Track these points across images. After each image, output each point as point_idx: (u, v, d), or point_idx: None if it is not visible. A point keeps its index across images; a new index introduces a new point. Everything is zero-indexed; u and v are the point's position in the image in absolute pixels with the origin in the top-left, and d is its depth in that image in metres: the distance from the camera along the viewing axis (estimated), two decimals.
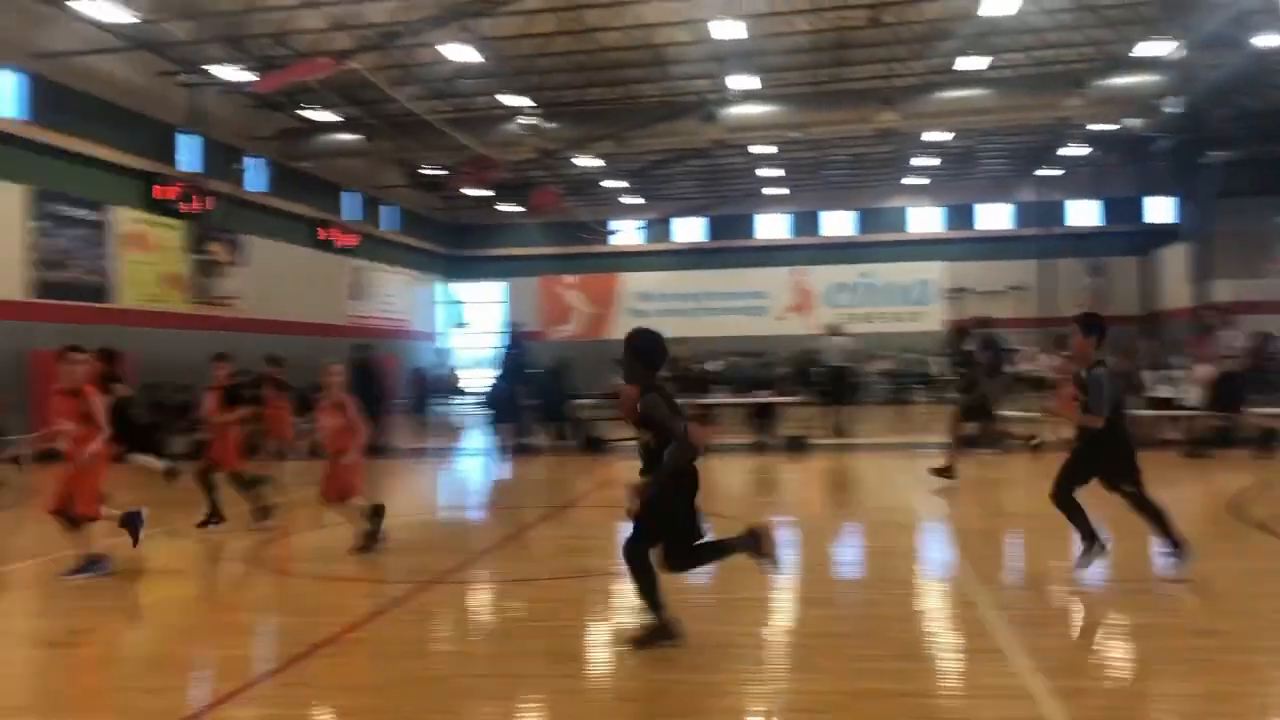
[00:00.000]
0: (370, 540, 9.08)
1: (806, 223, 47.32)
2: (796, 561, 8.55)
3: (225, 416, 10.83)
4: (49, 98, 25.24)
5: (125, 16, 23.13)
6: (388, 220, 44.11)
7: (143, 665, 5.97)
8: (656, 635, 5.87)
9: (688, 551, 5.88)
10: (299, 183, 35.74)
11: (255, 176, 33.34)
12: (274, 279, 33.66)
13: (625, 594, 7.73)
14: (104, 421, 8.33)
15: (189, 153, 30.00)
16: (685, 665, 5.61)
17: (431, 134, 30.67)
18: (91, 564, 8.22)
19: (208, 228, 29.69)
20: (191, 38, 25.85)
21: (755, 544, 5.98)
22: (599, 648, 6.31)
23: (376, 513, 9.25)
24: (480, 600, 7.95)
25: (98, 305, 27.00)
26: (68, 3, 22.24)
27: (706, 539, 5.95)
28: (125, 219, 28.04)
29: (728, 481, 15.44)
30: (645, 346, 5.87)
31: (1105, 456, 7.41)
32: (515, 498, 14.28)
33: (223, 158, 30.59)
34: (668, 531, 5.77)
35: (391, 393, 23.70)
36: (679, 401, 5.93)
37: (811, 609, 7.03)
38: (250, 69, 26.46)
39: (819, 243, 46.74)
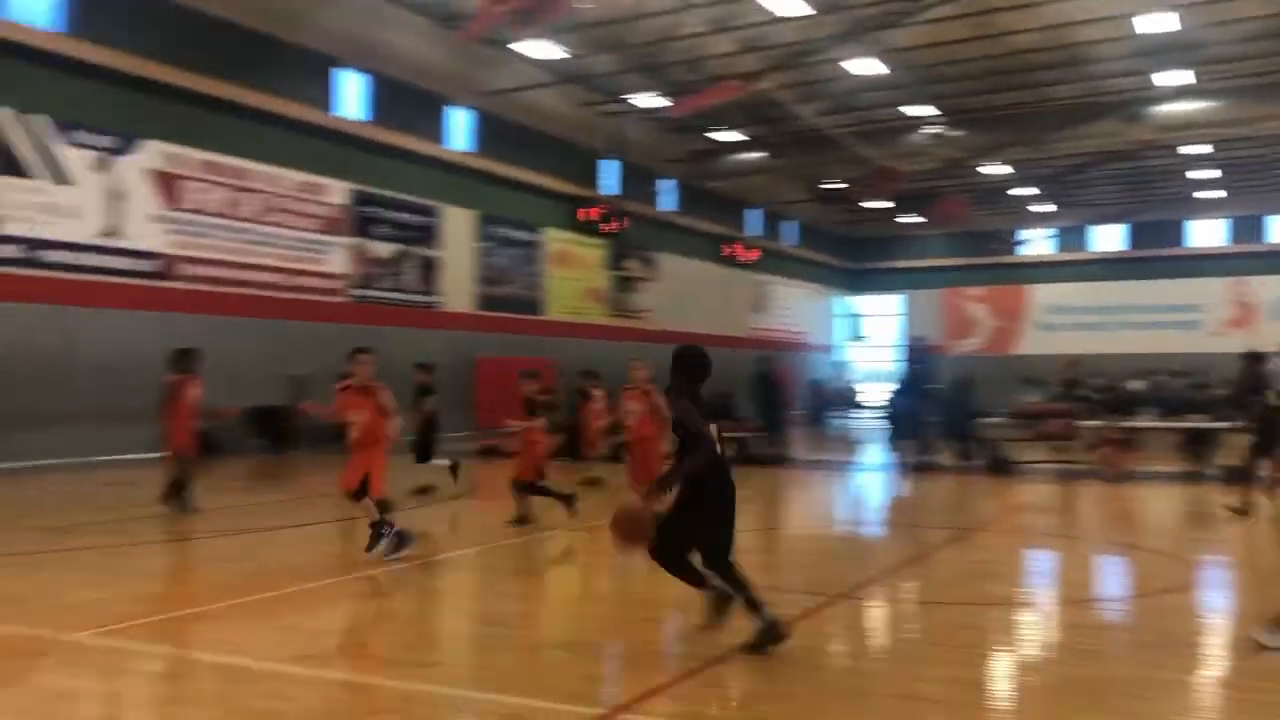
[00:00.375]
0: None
1: (1247, 228, 42.48)
2: (1245, 610, 7.69)
3: (528, 426, 11.38)
4: (492, 131, 28.08)
5: (557, 53, 25.23)
6: (788, 235, 44.79)
7: (572, 652, 6.46)
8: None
9: (722, 558, 5.98)
10: (705, 201, 37.21)
11: (666, 197, 35.09)
12: (682, 293, 35.27)
13: (1032, 625, 7.36)
14: (393, 412, 8.88)
15: (609, 176, 32.15)
16: (1109, 708, 5.23)
17: (834, 148, 30.81)
18: (395, 537, 8.82)
19: (625, 246, 31.64)
20: (613, 69, 27.69)
21: (771, 633, 5.93)
22: (1002, 677, 6.05)
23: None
24: (885, 618, 7.86)
25: (529, 317, 29.58)
26: (510, 45, 24.56)
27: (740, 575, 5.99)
28: (554, 239, 30.54)
29: (1157, 513, 14.18)
30: (687, 356, 6.23)
31: None
32: (917, 517, 13.97)
33: (638, 180, 32.51)
34: (696, 534, 5.93)
35: (791, 404, 24.02)
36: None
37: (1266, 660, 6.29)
38: (665, 95, 27.94)
39: (1264, 250, 41.78)
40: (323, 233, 23.79)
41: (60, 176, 18.83)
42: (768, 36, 25.86)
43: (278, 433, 22.18)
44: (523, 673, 5.80)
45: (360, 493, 8.85)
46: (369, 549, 8.81)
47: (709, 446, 5.91)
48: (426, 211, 26.41)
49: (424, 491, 13.93)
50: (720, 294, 38.09)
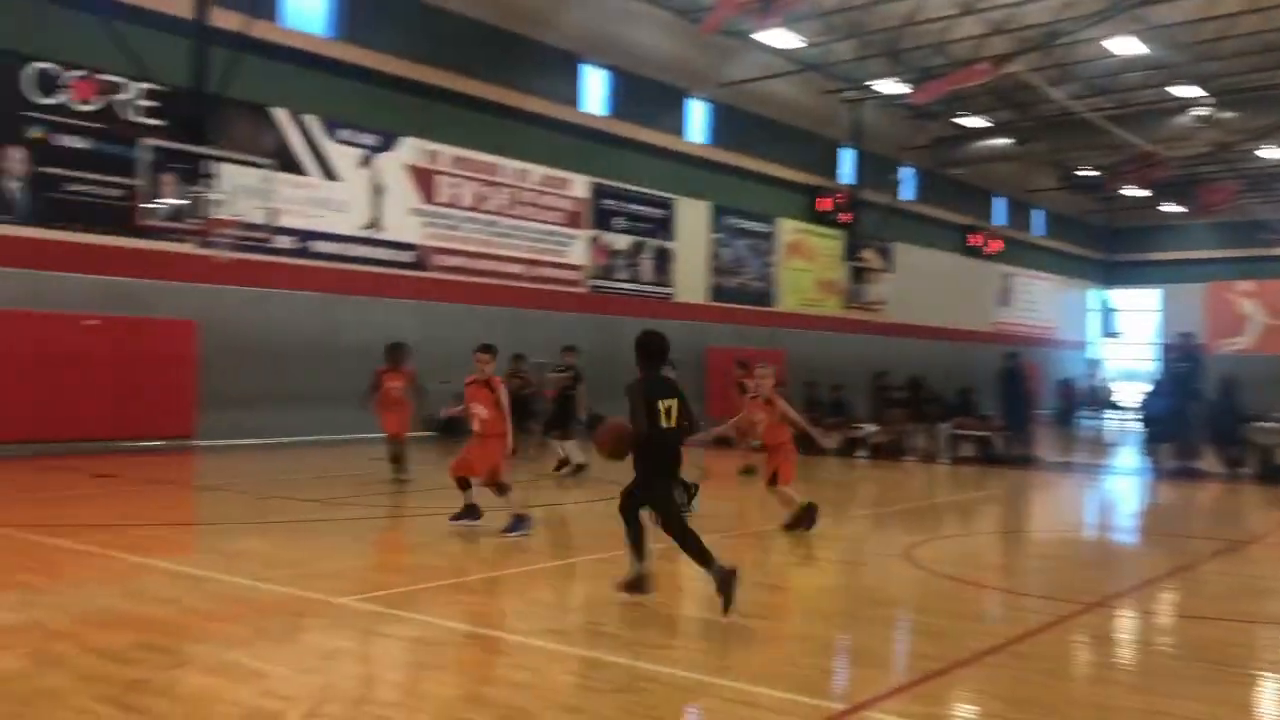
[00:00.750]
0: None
1: None
2: None
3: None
4: (729, 123, 28.14)
5: (796, 42, 24.99)
6: (1037, 225, 42.77)
7: (809, 644, 6.40)
8: (635, 585, 6.92)
9: (669, 518, 6.79)
10: (947, 190, 36.01)
11: (906, 185, 34.19)
12: (920, 285, 34.27)
13: None
14: (507, 409, 9.84)
15: (846, 166, 31.62)
16: None
17: (1089, 133, 29.14)
18: (518, 523, 9.51)
19: (861, 236, 31.06)
20: (854, 55, 27.19)
21: (725, 580, 6.47)
22: (1272, 701, 5.55)
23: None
24: (1141, 631, 7.37)
25: (761, 309, 29.52)
26: (749, 35, 24.53)
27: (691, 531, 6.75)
28: (788, 230, 30.32)
29: None
30: (641, 343, 7.02)
31: None
32: (1177, 526, 13.03)
33: (877, 169, 31.81)
34: (646, 497, 6.83)
35: (1037, 402, 22.91)
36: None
37: None
38: (908, 81, 27.19)
39: None
40: (564, 225, 24.54)
41: (329, 173, 20.25)
42: (1018, 17, 24.72)
43: (519, 417, 23.08)
44: (759, 662, 5.79)
45: (491, 481, 9.72)
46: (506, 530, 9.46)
47: (640, 424, 6.68)
48: (663, 204, 26.79)
49: (562, 467, 14.76)
50: (961, 286, 36.79)
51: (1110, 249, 47.06)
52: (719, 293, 28.34)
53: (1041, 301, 42.58)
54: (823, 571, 9.29)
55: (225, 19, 16.68)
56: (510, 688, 5.19)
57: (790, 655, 6.00)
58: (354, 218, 20.72)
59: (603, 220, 25.36)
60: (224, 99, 17.03)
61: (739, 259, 28.93)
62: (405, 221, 21.54)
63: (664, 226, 26.87)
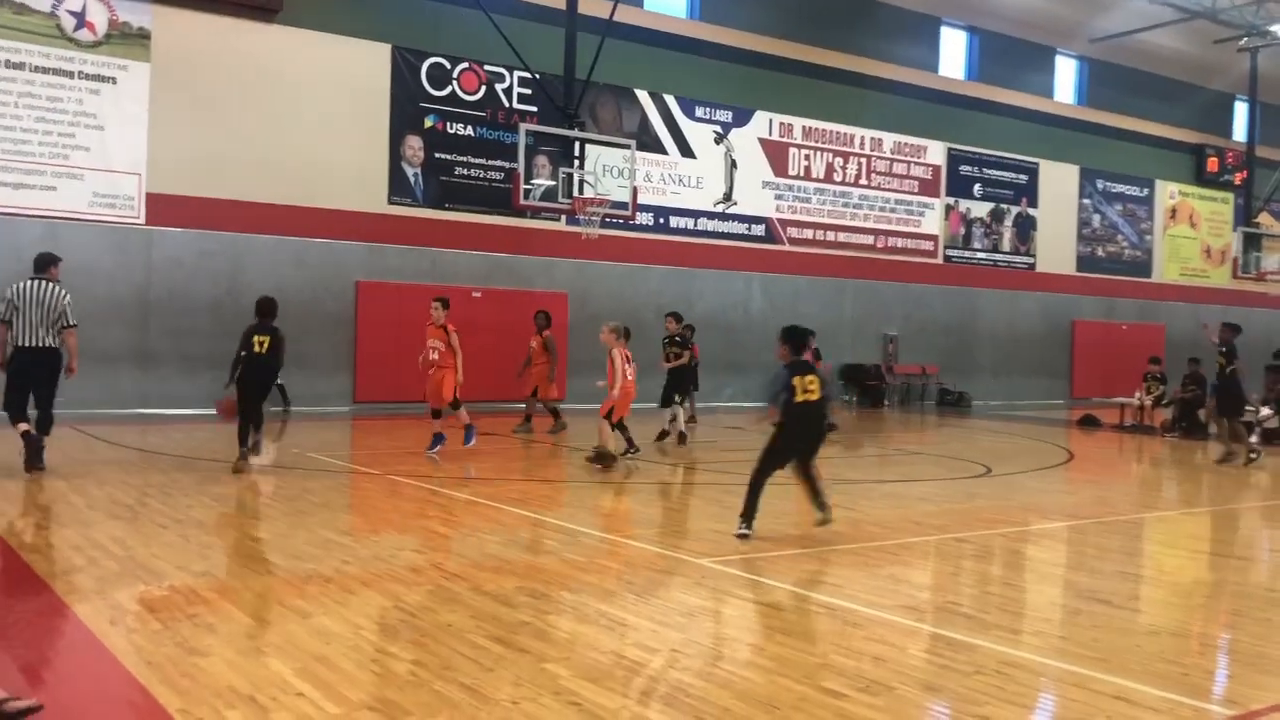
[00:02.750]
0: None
1: None
2: None
3: None
4: (1102, 79, 26.22)
5: None
6: None
7: (1193, 643, 5.94)
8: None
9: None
10: None
11: None
12: None
13: None
14: (458, 347, 12.41)
15: (1241, 121, 28.57)
16: None
17: None
18: (468, 432, 12.66)
19: (1258, 198, 27.91)
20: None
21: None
22: None
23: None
24: None
25: (1136, 280, 27.41)
26: None
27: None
28: (1170, 193, 27.90)
29: None
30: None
31: None
32: None
33: (1277, 123, 28.48)
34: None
35: None
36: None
37: None
38: None
39: None
40: (919, 194, 23.93)
41: (686, 149, 20.91)
42: None
43: (870, 389, 22.86)
44: (1131, 656, 5.45)
45: (455, 405, 12.44)
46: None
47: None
48: (1025, 169, 25.44)
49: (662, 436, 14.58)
50: None
51: None
52: (1088, 262, 26.57)
53: None
54: (1206, 565, 8.56)
55: (593, 6, 17.60)
56: (867, 660, 5.22)
57: (1167, 651, 5.60)
58: (708, 193, 21.29)
59: (960, 187, 24.46)
60: (591, 83, 18.04)
61: (1111, 225, 26.95)
62: (758, 195, 21.85)
63: (1027, 192, 25.51)
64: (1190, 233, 28.28)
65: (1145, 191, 27.44)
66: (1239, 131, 28.67)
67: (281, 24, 17.21)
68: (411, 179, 18.39)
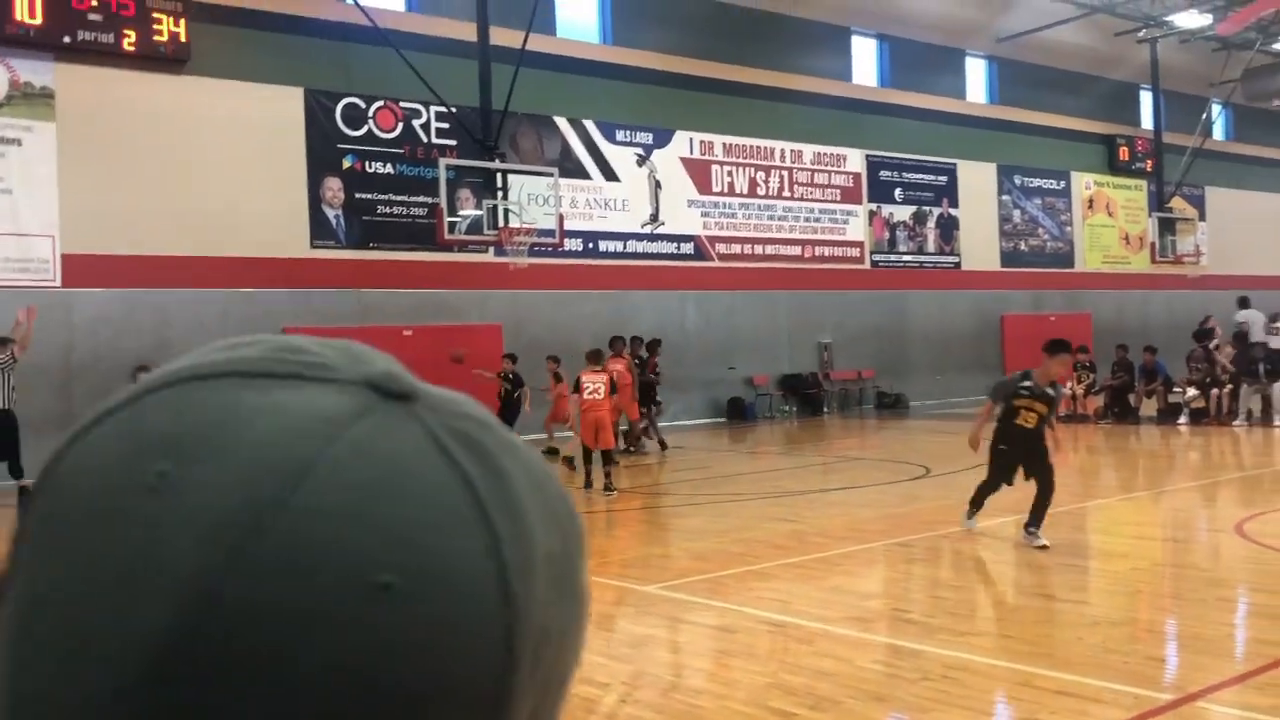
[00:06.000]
0: None
1: None
2: None
3: None
4: (1011, 78, 26.80)
5: None
6: None
7: (1128, 630, 6.02)
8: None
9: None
10: (1269, 124, 32.66)
11: (1217, 124, 31.30)
12: (1240, 232, 31.34)
13: None
14: None
15: (1148, 110, 29.37)
16: None
17: None
18: None
19: (1168, 184, 28.69)
20: None
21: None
22: None
23: None
24: None
25: (1060, 271, 27.94)
26: None
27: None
28: (1086, 184, 28.53)
29: None
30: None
31: None
32: None
33: (1182, 110, 29.31)
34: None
35: None
36: None
37: None
38: (1210, 11, 24.91)
39: None
40: (841, 202, 24.21)
41: (610, 173, 20.95)
42: None
43: (808, 398, 23.02)
44: (1074, 649, 5.51)
45: None
46: None
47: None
48: (944, 170, 25.87)
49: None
50: None
51: None
52: (1012, 257, 27.05)
53: None
54: (1141, 549, 8.71)
55: (506, 37, 17.59)
56: (816, 676, 5.21)
57: (1109, 641, 5.67)
58: (635, 215, 21.35)
59: (881, 193, 24.80)
60: (509, 113, 18.01)
61: (1031, 219, 27.49)
62: (685, 214, 21.95)
63: (947, 193, 25.93)
64: (1108, 221, 28.95)
65: (1062, 184, 28.04)
66: (1146, 120, 29.45)
67: (190, 74, 16.96)
68: (333, 221, 18.20)
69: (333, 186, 18.22)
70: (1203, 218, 30.37)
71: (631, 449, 15.82)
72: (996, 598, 7.10)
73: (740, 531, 9.52)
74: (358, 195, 18.43)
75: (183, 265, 16.84)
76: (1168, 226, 27.42)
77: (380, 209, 18.64)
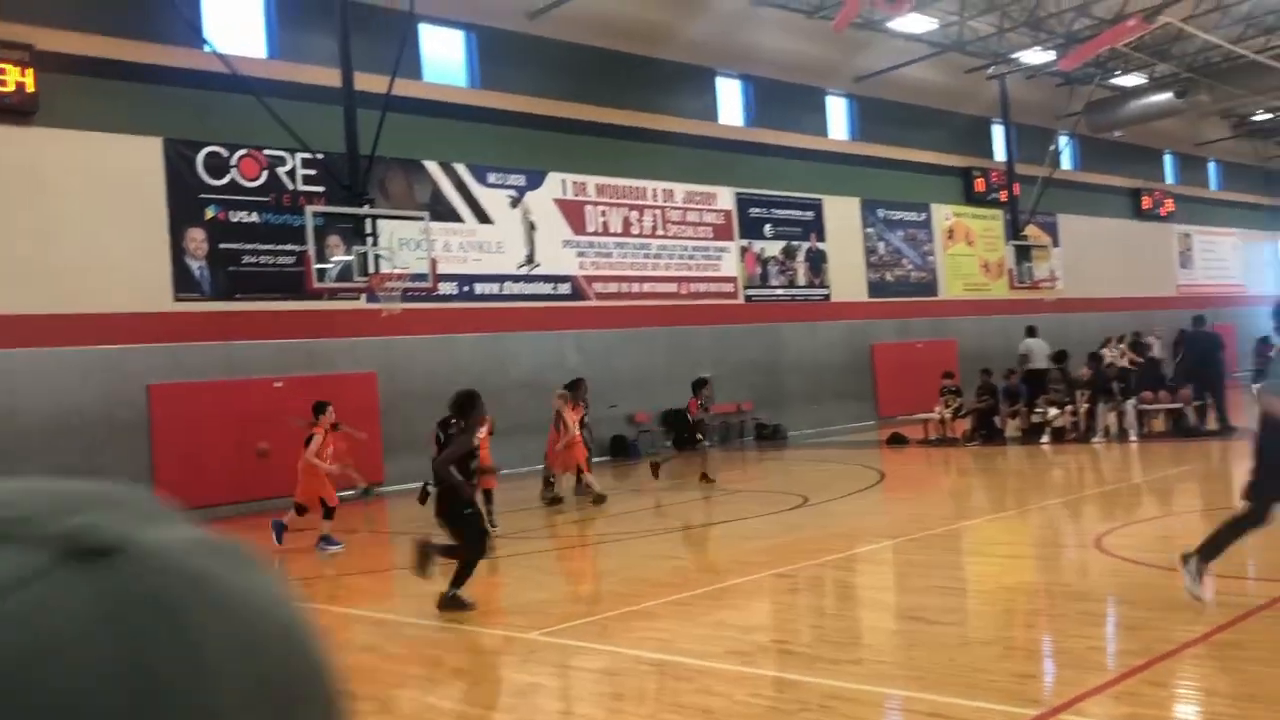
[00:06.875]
0: None
1: None
2: None
3: None
4: (871, 115, 27.70)
5: (930, 24, 24.45)
6: (1212, 179, 40.44)
7: (1000, 648, 6.21)
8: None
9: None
10: (1111, 154, 34.47)
11: (1065, 154, 32.88)
12: (1091, 257, 32.89)
13: None
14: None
15: (1000, 142, 30.67)
16: None
17: (1258, 75, 27.46)
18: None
19: (1023, 213, 29.97)
20: (993, 29, 26.39)
21: None
22: None
23: None
24: None
25: (925, 299, 28.85)
26: (882, 25, 24.11)
27: None
28: (945, 215, 29.58)
29: None
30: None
31: None
32: None
33: (1032, 142, 30.72)
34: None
35: (1229, 366, 21.59)
36: None
37: None
38: (1054, 48, 26.22)
39: None
40: (714, 239, 24.61)
41: (483, 216, 20.90)
42: None
43: (688, 434, 23.19)
44: (949, 670, 5.66)
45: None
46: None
47: None
48: (810, 205, 26.54)
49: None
50: (1137, 252, 35.05)
51: None
52: (879, 288, 27.85)
53: (1226, 258, 40.16)
54: (1009, 567, 9.00)
55: (371, 83, 17.44)
56: (698, 714, 5.23)
57: (979, 660, 5.84)
58: (510, 257, 21.31)
59: (751, 229, 25.29)
60: (377, 158, 17.83)
61: (895, 251, 28.36)
62: (560, 255, 22.01)
63: (814, 228, 26.60)
64: (968, 250, 30.07)
65: (923, 216, 29.04)
66: (999, 152, 30.77)
67: (40, 125, 16.34)
68: (197, 273, 17.68)
69: (196, 237, 17.72)
70: (1057, 244, 31.82)
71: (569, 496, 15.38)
72: (873, 624, 7.24)
73: (625, 571, 9.52)
74: (222, 246, 17.96)
75: (38, 324, 16.12)
76: (1024, 253, 28.63)
77: (246, 259, 18.19)
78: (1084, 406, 18.51)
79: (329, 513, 12.45)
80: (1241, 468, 14.68)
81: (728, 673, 5.91)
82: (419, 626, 7.88)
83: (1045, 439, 18.65)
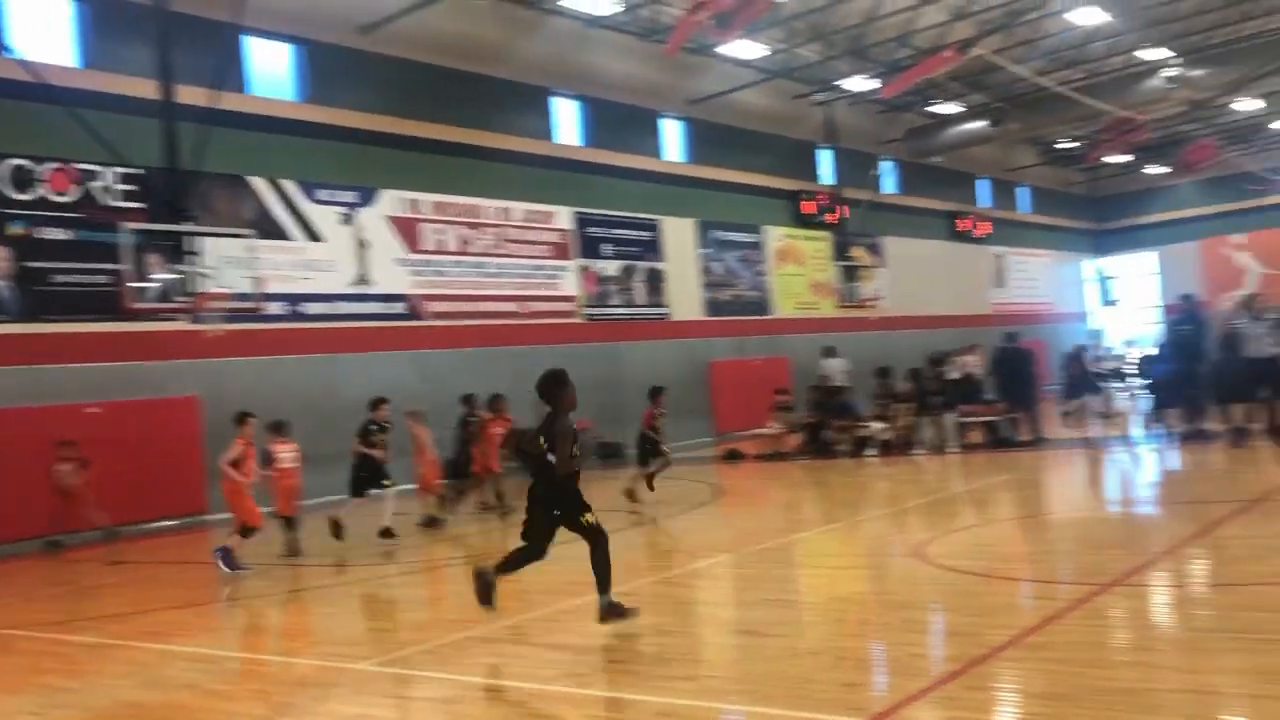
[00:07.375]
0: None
1: None
2: None
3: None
4: (705, 138, 28.26)
5: (760, 51, 25.13)
6: (1023, 203, 42.84)
7: (830, 658, 6.37)
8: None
9: None
10: (930, 179, 36.07)
11: (888, 179, 34.28)
12: (913, 276, 34.28)
13: None
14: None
15: (827, 166, 31.71)
16: None
17: (1063, 106, 29.24)
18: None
19: (849, 234, 31.12)
20: (820, 57, 27.31)
21: None
22: None
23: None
24: (1166, 605, 7.34)
25: (759, 318, 29.53)
26: (714, 50, 24.66)
27: None
28: (776, 236, 30.38)
29: None
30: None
31: None
32: (1194, 491, 12.99)
33: (857, 166, 31.89)
34: None
35: (1042, 381, 22.87)
36: None
37: None
38: (876, 76, 27.30)
39: None
40: (552, 258, 24.60)
41: (313, 234, 20.33)
42: (979, 0, 24.84)
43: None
44: (780, 682, 5.77)
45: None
46: None
47: None
48: (648, 226, 26.85)
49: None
50: (955, 272, 36.78)
51: (1100, 218, 47.07)
52: (715, 307, 28.37)
53: (1037, 278, 42.57)
54: (838, 579, 9.27)
55: (192, 95, 16.77)
56: None
57: (808, 671, 5.98)
58: (342, 276, 20.79)
59: (590, 248, 25.40)
60: (199, 174, 17.13)
61: (730, 271, 28.96)
62: (393, 273, 21.60)
63: (652, 248, 26.91)
64: (798, 270, 30.95)
65: (755, 237, 29.76)
66: (826, 176, 31.85)
67: None
68: (2, 292, 16.59)
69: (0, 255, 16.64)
70: (882, 264, 33.10)
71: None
72: (706, 638, 7.33)
73: (460, 597, 9.35)
74: (29, 264, 16.91)
75: None
76: (850, 274, 29.64)
77: (56, 278, 17.16)
78: (907, 420, 19.27)
79: (247, 531, 11.81)
80: (1054, 477, 15.55)
81: (562, 695, 5.87)
82: (243, 660, 7.56)
83: (871, 452, 19.32)
